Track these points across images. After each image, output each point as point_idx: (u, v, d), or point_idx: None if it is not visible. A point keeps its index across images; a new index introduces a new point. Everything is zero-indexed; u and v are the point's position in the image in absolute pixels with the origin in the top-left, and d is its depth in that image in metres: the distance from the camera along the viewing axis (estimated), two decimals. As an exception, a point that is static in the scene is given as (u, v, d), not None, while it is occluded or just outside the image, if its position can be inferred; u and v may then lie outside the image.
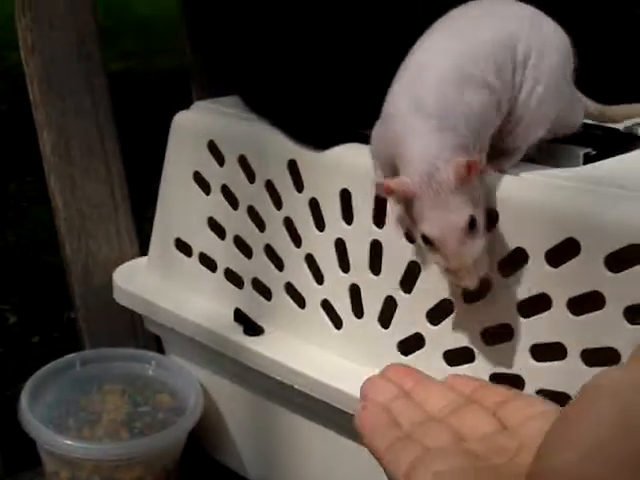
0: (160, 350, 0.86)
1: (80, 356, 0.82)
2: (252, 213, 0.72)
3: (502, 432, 0.38)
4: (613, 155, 0.59)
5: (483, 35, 0.57)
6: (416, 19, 0.66)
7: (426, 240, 0.53)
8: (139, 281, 0.82)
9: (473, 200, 0.52)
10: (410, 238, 0.61)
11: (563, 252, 0.54)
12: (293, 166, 0.68)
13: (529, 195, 0.56)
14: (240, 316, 0.73)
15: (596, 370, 0.50)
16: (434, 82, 0.55)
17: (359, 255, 0.65)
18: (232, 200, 0.74)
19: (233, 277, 0.75)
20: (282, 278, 0.71)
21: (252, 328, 0.72)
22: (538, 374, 0.57)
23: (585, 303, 0.54)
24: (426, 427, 0.39)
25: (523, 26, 0.58)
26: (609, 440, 0.28)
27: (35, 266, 1.34)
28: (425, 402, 0.42)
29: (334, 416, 0.66)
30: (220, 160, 0.74)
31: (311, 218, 0.68)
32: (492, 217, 0.57)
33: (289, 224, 0.69)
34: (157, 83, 1.84)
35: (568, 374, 0.55)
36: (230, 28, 0.74)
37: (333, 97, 0.66)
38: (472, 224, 0.52)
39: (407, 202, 0.54)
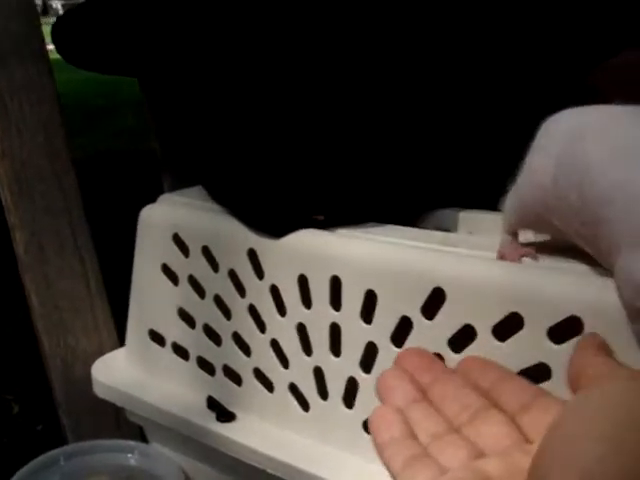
0: (143, 438, 0.87)
1: (63, 451, 0.84)
2: (218, 302, 0.74)
3: (522, 447, 0.37)
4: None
5: None
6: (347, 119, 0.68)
7: None
8: (117, 374, 0.84)
9: None
10: (367, 320, 0.63)
11: (508, 327, 0.56)
12: (253, 255, 0.70)
13: (472, 272, 0.57)
14: (213, 403, 0.74)
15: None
16: None
17: (320, 338, 0.66)
18: (199, 290, 0.76)
19: (205, 365, 0.77)
20: (250, 364, 0.73)
21: (224, 414, 0.73)
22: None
23: (533, 375, 0.55)
24: (443, 443, 0.39)
25: None
26: (608, 458, 0.28)
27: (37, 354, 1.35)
28: (442, 403, 0.41)
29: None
30: (185, 251, 0.76)
31: (273, 304, 0.69)
32: (438, 295, 0.59)
33: (253, 311, 0.71)
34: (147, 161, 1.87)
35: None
36: (190, 120, 0.77)
37: (286, 185, 0.69)
38: None
39: None
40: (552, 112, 0.58)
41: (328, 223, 0.68)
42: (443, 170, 0.74)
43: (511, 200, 0.58)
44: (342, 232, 0.67)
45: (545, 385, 0.54)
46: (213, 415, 0.74)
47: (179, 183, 0.89)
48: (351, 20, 0.67)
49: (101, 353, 0.87)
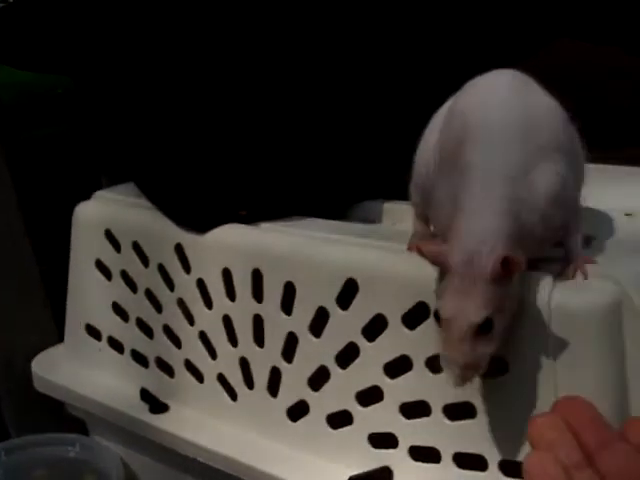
0: (85, 431, 0.89)
1: (4, 446, 0.85)
2: (150, 296, 0.76)
3: None
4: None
5: None
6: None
7: (436, 315, 0.50)
8: (57, 368, 0.85)
9: (501, 300, 0.49)
10: (287, 311, 0.65)
11: (417, 315, 0.58)
12: (180, 249, 0.72)
13: (382, 263, 0.60)
14: (146, 395, 0.76)
15: (459, 424, 0.54)
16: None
17: (244, 330, 0.68)
18: (131, 284, 0.77)
19: (139, 357, 0.79)
20: (181, 355, 0.74)
21: (157, 406, 0.75)
22: (409, 431, 0.60)
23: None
24: None
25: None
26: None
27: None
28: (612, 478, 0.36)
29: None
30: (117, 247, 0.78)
31: (200, 297, 0.71)
32: (353, 287, 0.61)
33: (182, 304, 0.73)
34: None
35: (433, 430, 0.59)
36: (120, 116, 0.78)
37: (210, 181, 0.70)
38: (485, 327, 0.48)
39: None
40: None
41: (251, 218, 0.69)
42: (369, 162, 0.76)
43: (411, 182, 0.60)
44: (264, 226, 0.69)
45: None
46: (147, 407, 0.76)
47: (117, 179, 0.90)
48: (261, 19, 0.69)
49: (41, 348, 0.88)
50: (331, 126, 0.73)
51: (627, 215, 0.64)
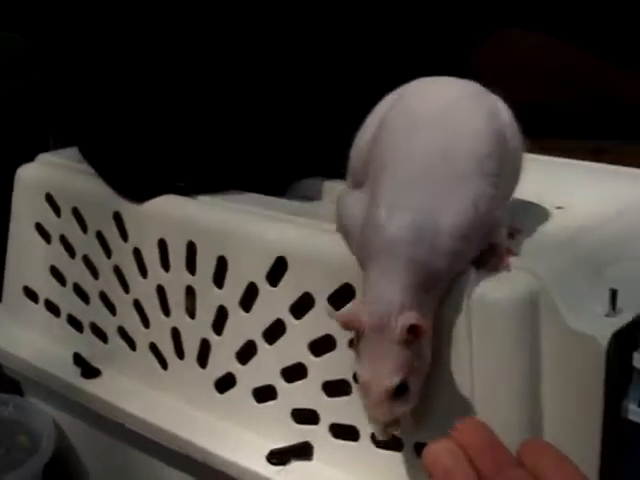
0: (20, 392, 0.90)
1: (-63, 402, 0.85)
2: (87, 262, 0.76)
3: None
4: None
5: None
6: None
7: (354, 377, 0.51)
8: (-7, 328, 0.85)
9: (413, 362, 0.49)
10: (219, 285, 0.66)
11: (342, 296, 0.59)
12: (118, 217, 0.72)
13: (311, 243, 0.60)
14: (79, 359, 0.77)
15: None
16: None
17: (177, 300, 0.69)
18: (70, 249, 0.78)
19: (74, 322, 0.79)
20: (115, 322, 0.75)
21: (89, 371, 0.76)
22: (331, 409, 0.61)
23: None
24: None
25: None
26: None
27: None
28: None
29: (168, 454, 0.70)
30: (57, 212, 0.78)
31: (136, 266, 0.72)
32: (282, 264, 0.61)
33: (118, 272, 0.73)
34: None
35: (354, 409, 0.60)
36: (65, 81, 0.78)
37: (150, 150, 0.71)
38: (400, 389, 0.49)
39: None
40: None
41: (190, 190, 0.70)
42: (311, 140, 0.76)
43: (348, 160, 0.60)
44: (202, 199, 0.69)
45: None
46: (79, 371, 0.76)
47: (64, 141, 0.90)
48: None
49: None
50: (274, 102, 0.73)
51: (558, 208, 0.65)
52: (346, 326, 0.50)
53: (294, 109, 0.74)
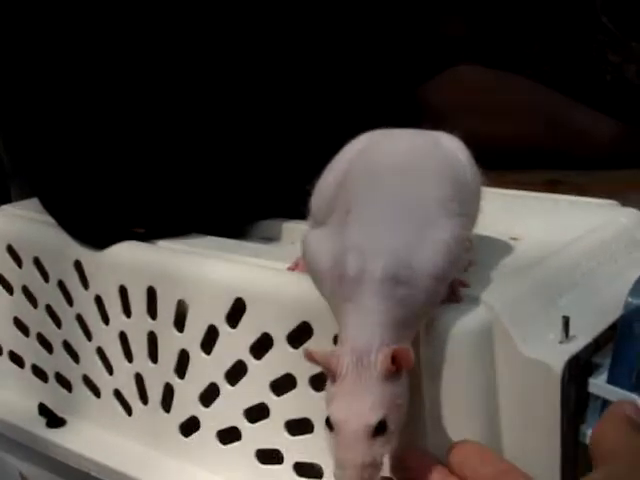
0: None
1: None
2: (50, 311, 0.77)
3: None
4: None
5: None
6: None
7: (328, 422, 0.48)
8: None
9: (393, 399, 0.48)
10: (179, 328, 0.66)
11: (301, 335, 0.59)
12: (79, 266, 0.73)
13: (268, 284, 0.61)
14: (44, 409, 0.77)
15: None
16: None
17: (139, 346, 0.69)
18: (32, 299, 0.78)
19: (39, 372, 0.79)
20: (79, 370, 0.75)
21: (54, 420, 0.76)
22: (293, 448, 0.62)
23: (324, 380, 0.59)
24: None
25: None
26: None
27: None
28: None
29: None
30: (18, 262, 0.78)
31: (98, 313, 0.72)
32: (241, 305, 0.62)
33: (81, 320, 0.74)
34: None
35: (317, 446, 0.60)
36: (24, 130, 0.79)
37: (108, 197, 0.71)
38: (380, 428, 0.47)
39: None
40: (381, 122, 0.62)
41: (149, 235, 0.70)
42: (269, 181, 0.77)
43: (310, 202, 0.61)
44: (161, 244, 0.70)
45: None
46: (44, 421, 0.76)
47: (27, 192, 0.90)
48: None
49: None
50: (231, 145, 0.74)
51: (512, 239, 0.66)
52: (326, 366, 0.48)
53: (249, 153, 0.75)
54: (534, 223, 0.69)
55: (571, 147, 0.99)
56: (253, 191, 0.75)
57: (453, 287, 0.55)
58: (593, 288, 0.61)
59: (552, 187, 0.88)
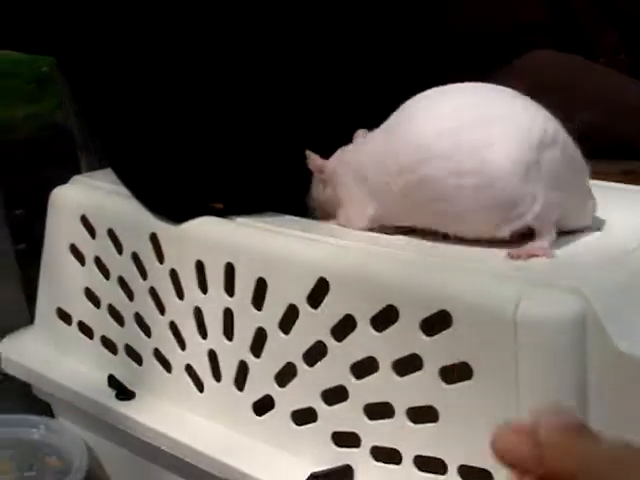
0: (52, 414, 0.89)
1: (-32, 425, 0.85)
2: (122, 283, 0.76)
3: None
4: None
5: None
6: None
7: None
8: (25, 350, 0.85)
9: None
10: (257, 306, 0.65)
11: (385, 318, 0.58)
12: (154, 239, 0.72)
13: (353, 264, 0.60)
14: (113, 381, 0.77)
15: (422, 427, 0.54)
16: None
17: (214, 322, 0.69)
18: (104, 271, 0.78)
19: (108, 344, 0.79)
20: (150, 344, 0.75)
21: (124, 393, 0.76)
22: (372, 432, 0.61)
23: (407, 365, 0.58)
24: None
25: None
26: None
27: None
28: None
29: (205, 477, 0.69)
30: (92, 233, 0.78)
31: (172, 288, 0.72)
32: (324, 286, 0.61)
33: (154, 293, 0.73)
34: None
35: (396, 432, 0.60)
36: (100, 102, 0.79)
37: (187, 171, 0.71)
38: None
39: None
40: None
41: (227, 211, 0.70)
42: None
43: None
44: (240, 221, 0.70)
45: (416, 376, 0.57)
46: (113, 393, 0.76)
47: (97, 163, 0.90)
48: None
49: (12, 329, 0.89)
50: (313, 126, 0.73)
51: (597, 230, 0.65)
52: None
53: (332, 130, 0.74)
54: (615, 215, 0.67)
55: None
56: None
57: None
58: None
59: (629, 177, 0.87)
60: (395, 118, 0.64)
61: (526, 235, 0.59)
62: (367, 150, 0.65)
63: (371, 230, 0.65)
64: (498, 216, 0.58)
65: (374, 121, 0.66)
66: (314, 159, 0.70)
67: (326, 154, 0.71)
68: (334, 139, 0.73)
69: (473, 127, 0.59)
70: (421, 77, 0.80)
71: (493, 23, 0.99)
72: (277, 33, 0.72)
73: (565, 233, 0.62)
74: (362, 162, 0.65)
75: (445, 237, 0.62)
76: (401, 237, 0.65)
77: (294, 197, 0.73)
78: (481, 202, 0.58)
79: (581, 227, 0.63)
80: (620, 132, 0.99)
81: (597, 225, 0.65)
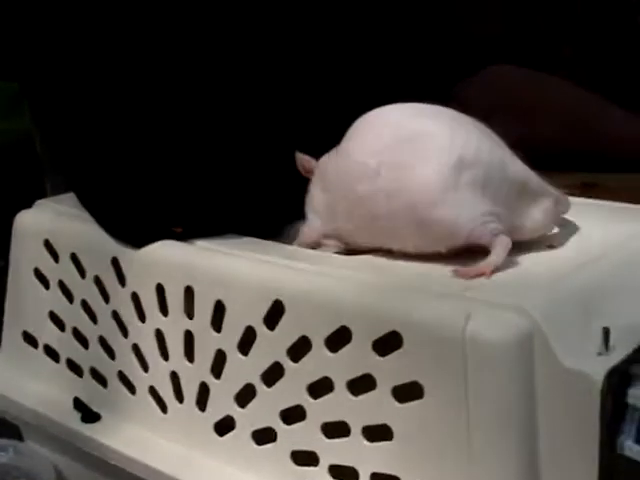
0: (20, 437, 0.90)
1: (-63, 449, 0.86)
2: (85, 307, 0.77)
3: None
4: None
5: None
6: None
7: None
8: (-7, 374, 0.86)
9: None
10: (217, 328, 0.66)
11: (339, 339, 0.60)
12: (116, 263, 0.73)
13: (307, 286, 0.61)
14: (79, 404, 0.77)
15: (377, 445, 0.55)
16: None
17: (175, 344, 0.70)
18: (68, 295, 0.79)
19: (74, 367, 0.80)
20: (114, 367, 0.76)
21: (89, 415, 0.76)
22: (329, 450, 0.62)
23: (361, 385, 0.59)
24: None
25: None
26: None
27: None
28: None
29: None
30: (55, 257, 0.79)
31: (134, 311, 0.72)
32: (279, 308, 0.62)
33: (117, 317, 0.74)
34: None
35: (353, 450, 0.61)
36: (62, 126, 0.79)
37: (147, 195, 0.72)
38: None
39: None
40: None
41: (187, 235, 0.71)
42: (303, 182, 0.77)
43: None
44: (199, 244, 0.70)
45: (370, 395, 0.58)
46: (79, 416, 0.77)
47: (62, 186, 0.91)
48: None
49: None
50: (271, 145, 0.74)
51: (550, 247, 0.66)
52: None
53: (288, 152, 0.75)
54: (572, 229, 0.69)
55: (604, 149, 0.99)
56: (291, 192, 0.75)
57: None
58: (635, 296, 0.61)
59: (588, 190, 0.88)
60: (347, 135, 0.65)
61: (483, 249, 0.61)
62: (330, 163, 0.67)
63: (320, 246, 0.66)
64: (429, 235, 0.60)
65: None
66: (301, 158, 0.71)
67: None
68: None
69: (397, 147, 0.61)
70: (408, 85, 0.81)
71: (452, 37, 1.00)
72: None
73: (520, 249, 0.63)
74: (326, 175, 0.67)
75: (404, 255, 0.64)
76: (355, 257, 0.66)
77: (262, 218, 0.74)
78: (411, 221, 0.60)
79: (534, 241, 0.64)
80: (579, 144, 1.00)
81: (552, 240, 0.67)
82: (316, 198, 0.68)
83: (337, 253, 0.67)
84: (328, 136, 0.73)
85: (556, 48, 1.07)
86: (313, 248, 0.69)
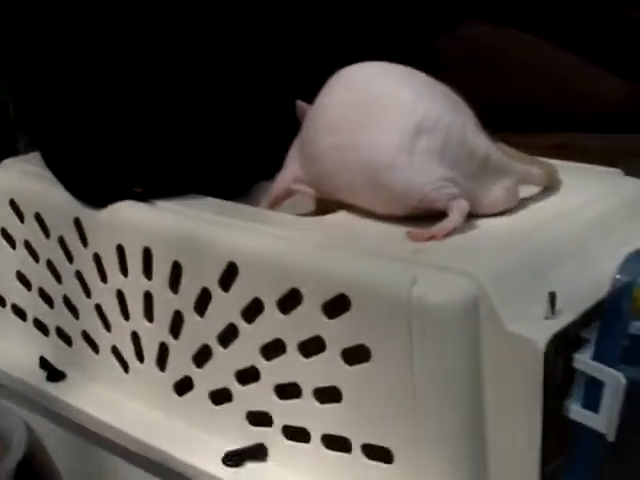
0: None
1: None
2: (50, 267, 0.77)
3: None
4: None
5: None
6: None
7: None
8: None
9: None
10: (174, 289, 0.67)
11: (291, 301, 0.60)
12: (78, 223, 0.73)
13: (260, 248, 0.61)
14: (44, 363, 0.78)
15: (328, 407, 0.56)
16: None
17: (136, 305, 0.70)
18: (34, 254, 0.79)
19: (40, 326, 0.80)
20: (79, 326, 0.76)
21: (54, 374, 0.77)
22: (282, 411, 0.63)
23: (312, 347, 0.60)
24: None
25: None
26: None
27: None
28: None
29: (130, 455, 0.71)
30: (21, 217, 0.79)
31: (96, 271, 0.73)
32: (234, 270, 0.62)
33: (80, 277, 0.74)
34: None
35: (305, 411, 0.61)
36: (28, 86, 0.79)
37: (108, 156, 0.71)
38: None
39: None
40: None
41: (147, 195, 0.71)
42: (272, 142, 0.77)
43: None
44: (159, 204, 0.70)
45: (320, 357, 0.59)
46: (44, 375, 0.77)
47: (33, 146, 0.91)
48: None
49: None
50: (234, 103, 0.74)
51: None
52: None
53: (254, 111, 0.74)
54: (530, 191, 0.68)
55: (577, 108, 0.98)
56: (255, 152, 0.75)
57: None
58: (586, 262, 0.60)
59: (560, 151, 0.87)
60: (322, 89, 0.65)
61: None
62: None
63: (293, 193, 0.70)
64: (383, 197, 0.60)
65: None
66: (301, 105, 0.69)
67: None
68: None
69: (360, 107, 0.61)
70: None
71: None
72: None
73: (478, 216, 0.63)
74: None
75: (368, 215, 0.65)
76: (313, 219, 0.66)
77: (226, 178, 0.74)
78: (365, 181, 0.60)
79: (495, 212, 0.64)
80: (555, 103, 0.99)
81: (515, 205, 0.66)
82: (296, 143, 0.68)
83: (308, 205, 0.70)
84: (307, 90, 0.73)
85: (535, 7, 1.06)
86: (286, 196, 0.69)
